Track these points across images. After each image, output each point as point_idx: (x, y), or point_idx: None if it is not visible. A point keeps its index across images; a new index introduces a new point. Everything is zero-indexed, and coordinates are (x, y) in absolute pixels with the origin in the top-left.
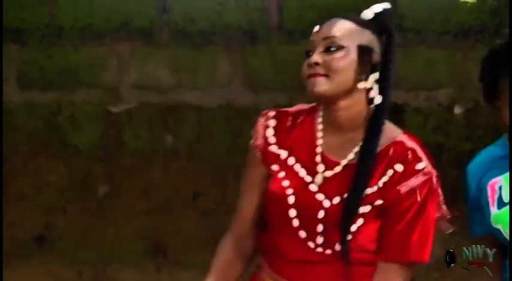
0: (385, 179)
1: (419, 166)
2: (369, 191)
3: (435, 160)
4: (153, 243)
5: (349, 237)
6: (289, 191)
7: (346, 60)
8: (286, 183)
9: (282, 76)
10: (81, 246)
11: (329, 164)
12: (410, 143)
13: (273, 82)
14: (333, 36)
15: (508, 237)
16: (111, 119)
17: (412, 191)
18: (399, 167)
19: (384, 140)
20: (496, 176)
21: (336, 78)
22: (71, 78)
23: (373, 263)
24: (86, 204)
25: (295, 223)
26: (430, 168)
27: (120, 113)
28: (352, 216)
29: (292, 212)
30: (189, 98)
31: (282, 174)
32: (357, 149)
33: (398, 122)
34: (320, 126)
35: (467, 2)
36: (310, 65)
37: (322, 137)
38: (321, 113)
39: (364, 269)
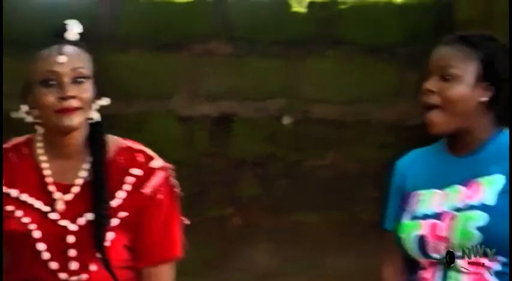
0: (126, 187)
1: (155, 164)
2: (113, 203)
3: (264, 169)
4: None
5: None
6: (32, 226)
7: (91, 90)
8: (26, 220)
9: (113, 85)
10: None
11: (63, 189)
12: (137, 146)
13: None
14: (81, 67)
15: (407, 250)
16: None
17: (156, 190)
18: (137, 171)
19: (111, 152)
20: (421, 188)
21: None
22: None
23: None
24: None
25: (45, 255)
26: (165, 164)
27: None
28: (103, 232)
29: (41, 246)
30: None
31: (19, 213)
32: (85, 166)
33: (227, 133)
34: (43, 156)
35: (299, 13)
36: (64, 99)
37: (48, 165)
38: (40, 144)
39: None
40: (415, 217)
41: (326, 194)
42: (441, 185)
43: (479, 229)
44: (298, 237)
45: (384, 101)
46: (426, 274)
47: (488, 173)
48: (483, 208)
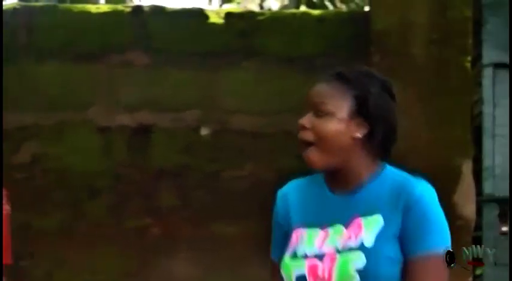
0: None
1: None
2: None
3: (182, 180)
4: None
5: None
6: None
7: None
8: None
9: (29, 96)
10: None
11: None
12: None
13: (21, 102)
14: None
15: None
16: None
17: None
18: None
19: None
20: (304, 225)
21: None
22: None
23: None
24: None
25: None
26: None
27: None
28: None
29: None
30: None
31: None
32: None
33: (145, 143)
34: None
35: (216, 24)
36: None
37: None
38: None
39: None
40: (296, 255)
41: (245, 204)
42: (323, 224)
43: (358, 271)
44: (217, 247)
45: (302, 112)
46: None
47: (369, 214)
48: (362, 249)
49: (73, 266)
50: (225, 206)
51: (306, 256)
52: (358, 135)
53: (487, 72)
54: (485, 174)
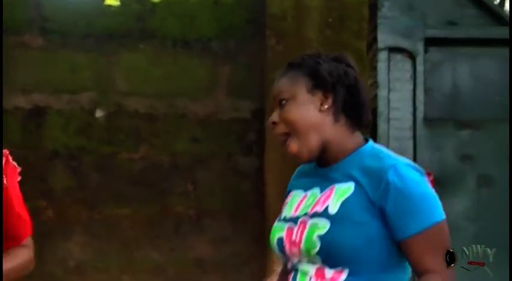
0: None
1: None
2: None
3: (77, 162)
4: None
5: None
6: None
7: None
8: None
9: None
10: None
11: None
12: None
13: None
14: None
15: (274, 251)
16: None
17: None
18: None
19: None
20: (294, 188)
21: None
22: None
23: None
24: None
25: None
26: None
27: None
28: None
29: None
30: None
31: None
32: None
33: (40, 125)
34: None
35: (111, 6)
36: None
37: None
38: None
39: None
40: (280, 220)
41: (139, 187)
42: (306, 189)
43: (320, 237)
44: (111, 230)
45: (197, 95)
46: (289, 276)
47: (343, 181)
48: (325, 216)
49: None
50: (119, 189)
51: (286, 220)
52: (325, 107)
53: (382, 56)
54: None
